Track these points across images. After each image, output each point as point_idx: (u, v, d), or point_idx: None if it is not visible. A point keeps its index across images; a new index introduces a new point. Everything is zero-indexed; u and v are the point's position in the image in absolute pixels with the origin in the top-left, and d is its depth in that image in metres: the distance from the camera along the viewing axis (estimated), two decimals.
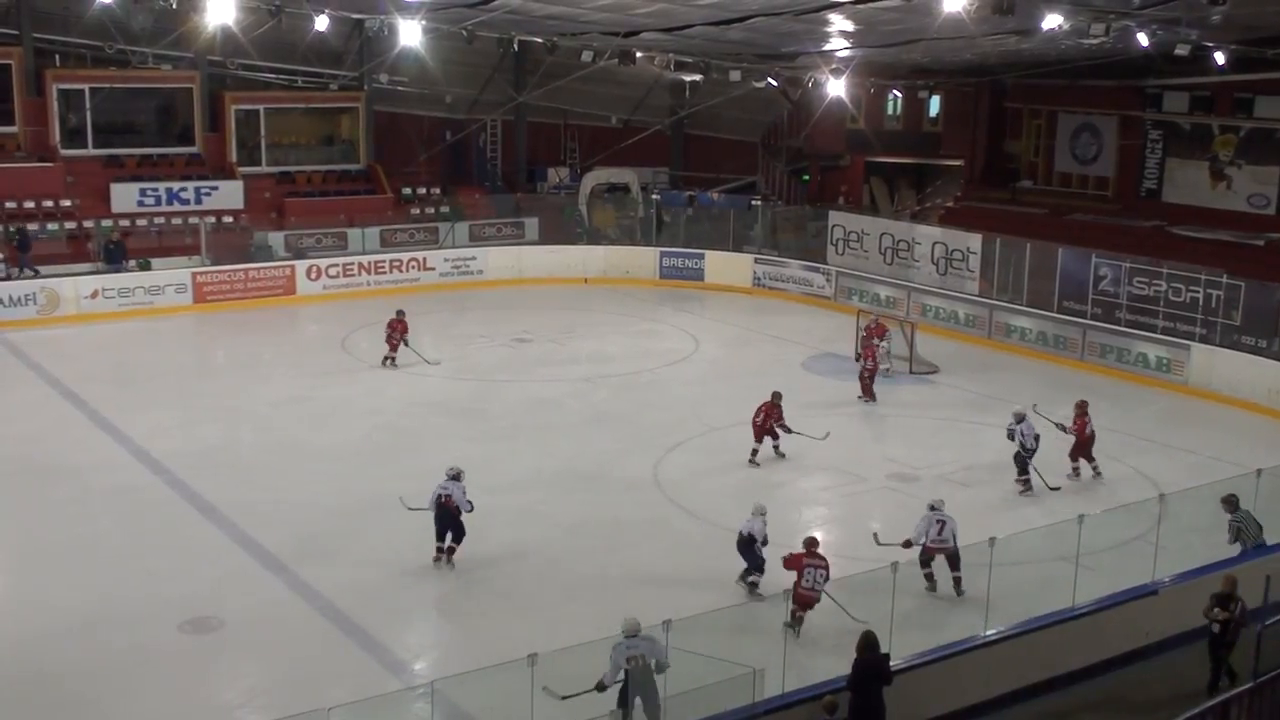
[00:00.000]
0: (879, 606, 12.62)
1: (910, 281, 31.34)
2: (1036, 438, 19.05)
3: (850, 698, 11.58)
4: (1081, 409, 19.75)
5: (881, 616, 12.31)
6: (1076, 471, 19.68)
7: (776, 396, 20.43)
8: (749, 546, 15.36)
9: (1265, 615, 12.80)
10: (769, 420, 20.21)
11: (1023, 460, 19.06)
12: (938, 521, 15.59)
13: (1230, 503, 15.65)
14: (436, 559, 16.05)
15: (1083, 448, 19.65)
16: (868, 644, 11.71)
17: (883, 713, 11.67)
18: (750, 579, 15.35)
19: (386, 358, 25.67)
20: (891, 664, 11.89)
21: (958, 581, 15.37)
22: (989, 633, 13.25)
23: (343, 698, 11.14)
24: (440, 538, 16.04)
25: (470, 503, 15.98)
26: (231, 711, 12.87)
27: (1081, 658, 13.68)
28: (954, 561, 15.41)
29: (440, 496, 15.95)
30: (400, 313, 25.84)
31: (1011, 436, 19.18)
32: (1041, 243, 29.13)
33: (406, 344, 25.65)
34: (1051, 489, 18.96)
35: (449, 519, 15.95)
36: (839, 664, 11.85)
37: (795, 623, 13.97)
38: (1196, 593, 14.70)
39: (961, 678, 12.88)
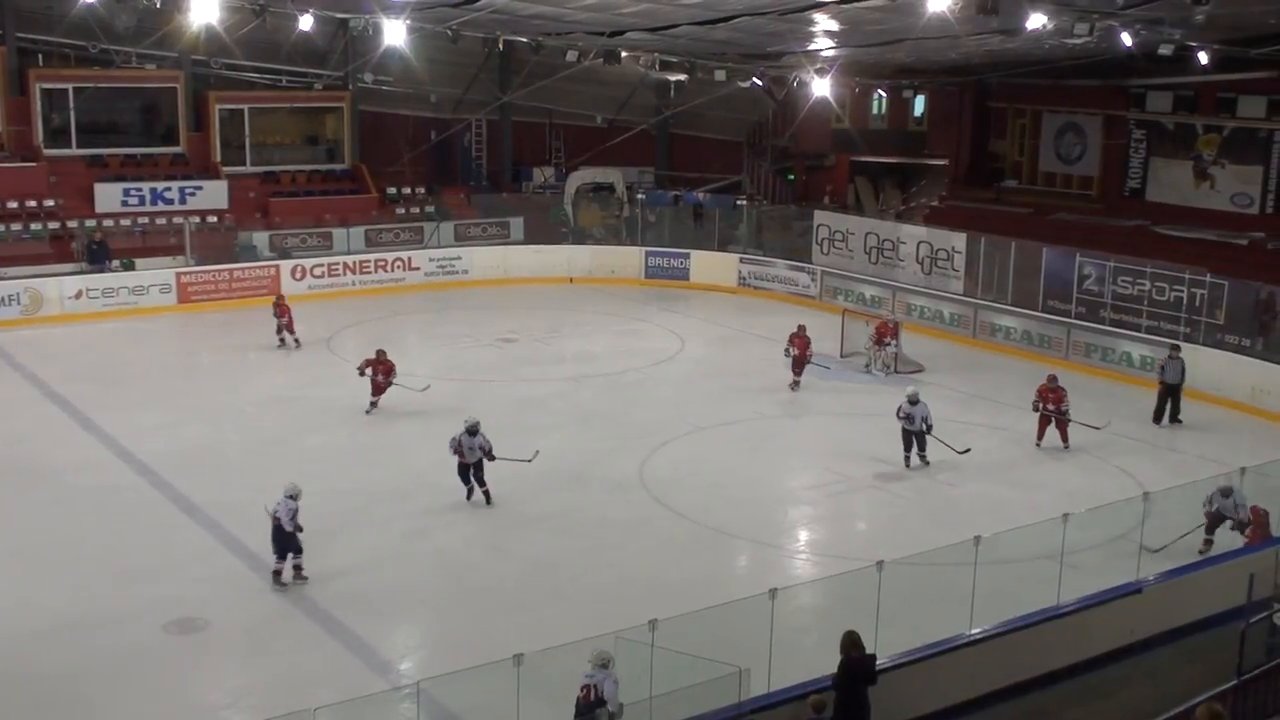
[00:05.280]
0: (864, 605, 12.62)
1: (895, 281, 31.40)
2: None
3: (835, 697, 11.60)
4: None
5: (867, 616, 12.31)
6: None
7: (802, 329, 24.56)
8: (282, 532, 15.39)
9: (1249, 613, 12.84)
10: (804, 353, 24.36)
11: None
12: (905, 415, 19.82)
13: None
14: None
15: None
16: (853, 644, 11.72)
17: (868, 712, 11.69)
18: (295, 563, 15.55)
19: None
20: (877, 664, 11.89)
21: (922, 458, 19.97)
22: (974, 631, 13.26)
23: (328, 698, 11.13)
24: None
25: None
26: (217, 712, 12.84)
27: (1066, 656, 13.71)
28: (921, 442, 19.89)
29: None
30: (380, 351, 22.95)
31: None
32: (1026, 242, 29.22)
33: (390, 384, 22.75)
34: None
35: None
36: (824, 663, 11.85)
37: None
38: (1181, 591, 14.80)
39: (947, 676, 12.90)
